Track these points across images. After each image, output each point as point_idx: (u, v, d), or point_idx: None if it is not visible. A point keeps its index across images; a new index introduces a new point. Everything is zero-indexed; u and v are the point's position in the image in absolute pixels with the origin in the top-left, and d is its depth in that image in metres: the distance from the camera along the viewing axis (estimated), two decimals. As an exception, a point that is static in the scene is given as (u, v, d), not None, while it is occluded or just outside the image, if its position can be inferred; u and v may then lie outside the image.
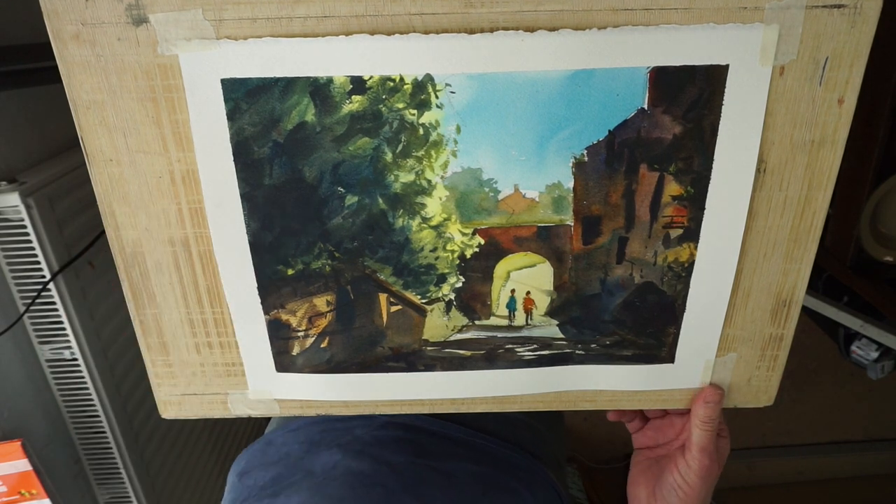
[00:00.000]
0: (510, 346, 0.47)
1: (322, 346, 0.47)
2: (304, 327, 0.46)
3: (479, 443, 0.61)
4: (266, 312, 0.46)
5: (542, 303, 0.46)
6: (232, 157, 0.40)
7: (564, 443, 0.75)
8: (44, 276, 0.75)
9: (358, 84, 0.38)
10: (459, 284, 0.45)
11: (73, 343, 0.80)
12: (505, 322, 0.46)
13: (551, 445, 0.69)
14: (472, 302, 0.46)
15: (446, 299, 0.45)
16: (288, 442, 0.63)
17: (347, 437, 0.61)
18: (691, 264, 0.44)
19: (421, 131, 0.40)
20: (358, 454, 0.57)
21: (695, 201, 0.42)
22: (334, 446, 0.60)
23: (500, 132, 0.39)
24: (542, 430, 0.69)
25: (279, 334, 0.47)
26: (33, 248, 0.74)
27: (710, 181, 0.41)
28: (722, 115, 0.39)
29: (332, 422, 0.62)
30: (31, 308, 0.77)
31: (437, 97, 0.39)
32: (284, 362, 0.48)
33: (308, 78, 0.38)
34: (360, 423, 0.62)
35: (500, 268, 0.44)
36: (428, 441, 0.60)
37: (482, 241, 0.43)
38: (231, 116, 0.39)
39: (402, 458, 0.57)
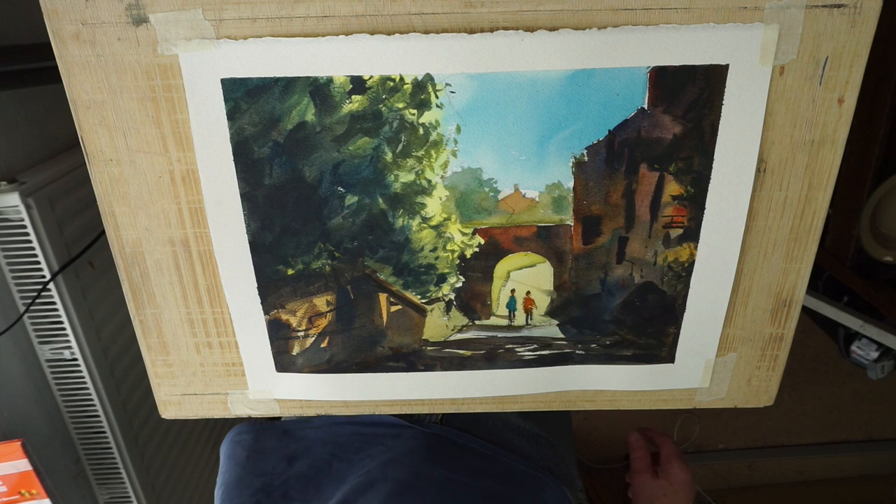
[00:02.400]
0: (510, 346, 0.47)
1: (322, 345, 0.47)
2: (304, 327, 0.46)
3: (504, 461, 0.60)
4: (266, 312, 0.46)
5: (542, 303, 0.46)
6: (232, 157, 0.40)
7: (574, 458, 0.75)
8: (44, 276, 0.75)
9: (358, 84, 0.38)
10: (459, 284, 0.45)
11: (73, 343, 0.80)
12: (505, 322, 0.46)
13: (567, 463, 0.69)
14: (472, 302, 0.46)
15: (446, 299, 0.45)
16: (308, 437, 0.61)
17: (377, 446, 0.59)
18: (691, 264, 0.44)
19: (421, 131, 0.40)
20: (392, 462, 0.56)
21: (695, 201, 0.42)
22: (366, 457, 0.58)
23: (500, 132, 0.39)
24: (558, 446, 0.68)
25: (279, 334, 0.47)
26: (33, 248, 0.74)
27: (710, 181, 0.41)
28: (722, 114, 0.39)
29: (354, 425, 0.61)
30: (31, 308, 0.77)
31: (437, 97, 0.39)
32: (284, 362, 0.48)
33: (308, 78, 0.38)
34: (385, 430, 0.61)
35: (500, 268, 0.44)
36: (458, 454, 0.59)
37: (482, 241, 0.43)
38: (231, 116, 0.39)
39: (437, 471, 0.56)
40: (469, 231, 0.43)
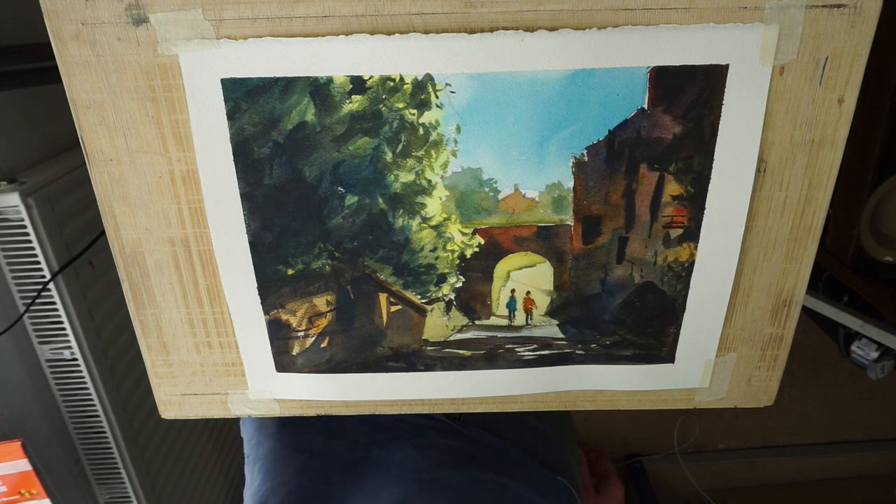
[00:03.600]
0: (510, 346, 0.47)
1: (322, 345, 0.47)
2: (304, 327, 0.46)
3: (530, 466, 0.60)
4: (266, 312, 0.46)
5: (542, 303, 0.46)
6: (232, 157, 0.40)
7: (576, 460, 0.75)
8: (44, 276, 0.75)
9: (358, 84, 0.38)
10: (459, 284, 0.45)
11: (73, 343, 0.80)
12: (505, 322, 0.46)
13: (572, 465, 0.69)
14: (472, 302, 0.46)
15: (446, 299, 0.45)
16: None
17: (418, 437, 0.58)
18: (691, 264, 0.44)
19: (421, 131, 0.40)
20: (438, 461, 0.56)
21: (695, 201, 0.42)
22: (409, 446, 0.57)
23: (500, 132, 0.39)
24: (567, 450, 0.68)
25: (279, 334, 0.47)
26: (33, 248, 0.74)
27: (710, 181, 0.41)
28: (722, 114, 0.39)
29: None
30: (31, 308, 0.77)
31: (437, 97, 0.39)
32: (284, 362, 0.48)
33: (308, 78, 0.38)
34: (420, 420, 0.60)
35: (500, 268, 0.44)
36: (496, 456, 0.59)
37: (482, 241, 0.43)
38: (231, 116, 0.39)
39: (487, 476, 0.56)
40: (469, 231, 0.43)
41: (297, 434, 0.59)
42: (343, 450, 0.58)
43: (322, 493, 0.55)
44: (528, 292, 0.45)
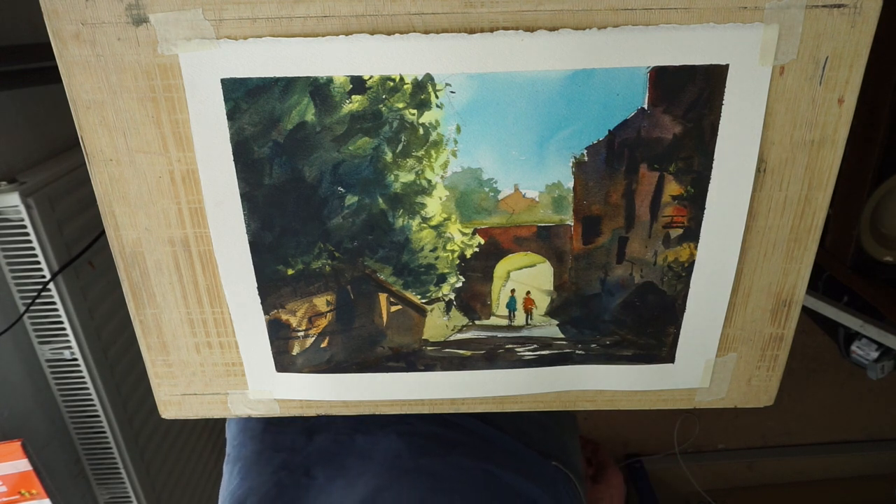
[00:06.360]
0: (510, 346, 0.47)
1: (322, 345, 0.47)
2: (304, 327, 0.46)
3: (523, 453, 0.60)
4: (266, 312, 0.46)
5: (542, 303, 0.46)
6: (232, 157, 0.40)
7: (580, 451, 0.74)
8: (44, 276, 0.75)
9: (358, 84, 0.38)
10: (459, 284, 0.45)
11: (73, 343, 0.80)
12: (505, 322, 0.46)
13: (574, 454, 0.68)
14: (472, 302, 0.46)
15: (446, 299, 0.45)
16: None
17: (402, 423, 0.58)
18: (691, 264, 0.44)
19: (421, 131, 0.40)
20: (421, 449, 0.56)
21: (695, 201, 0.42)
22: (392, 433, 0.57)
23: (500, 132, 0.39)
24: (566, 438, 0.68)
25: (279, 334, 0.47)
26: (33, 248, 0.74)
27: (710, 181, 0.41)
28: (722, 114, 0.39)
29: None
30: (31, 308, 0.77)
31: (437, 97, 0.39)
32: (284, 362, 0.48)
33: (308, 78, 0.38)
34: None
35: (500, 268, 0.44)
36: (481, 443, 0.58)
37: (482, 241, 0.43)
38: (231, 116, 0.39)
39: (471, 463, 0.56)
40: (469, 231, 0.43)
41: (279, 435, 0.59)
42: (326, 442, 0.58)
43: (302, 485, 0.55)
44: (528, 292, 0.45)
